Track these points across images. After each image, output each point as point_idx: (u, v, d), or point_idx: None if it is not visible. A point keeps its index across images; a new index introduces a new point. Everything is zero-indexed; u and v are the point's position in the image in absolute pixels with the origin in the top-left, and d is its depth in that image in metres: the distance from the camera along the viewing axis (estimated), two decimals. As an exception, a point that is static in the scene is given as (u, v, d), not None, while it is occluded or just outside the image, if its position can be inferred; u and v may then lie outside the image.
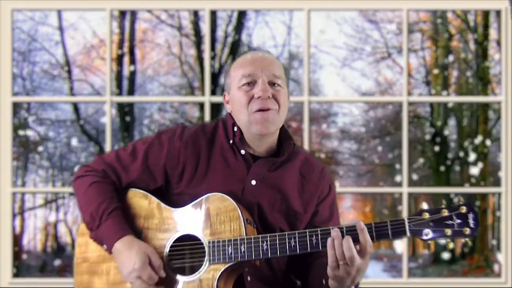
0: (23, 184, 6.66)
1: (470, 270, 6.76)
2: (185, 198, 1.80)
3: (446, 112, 7.19)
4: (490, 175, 6.71)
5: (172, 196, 1.84)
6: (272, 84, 1.81)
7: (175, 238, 1.78)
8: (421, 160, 7.17)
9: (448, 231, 1.62)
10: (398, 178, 6.00)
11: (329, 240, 1.63)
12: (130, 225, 1.81)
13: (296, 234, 1.68)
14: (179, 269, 1.78)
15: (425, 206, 1.66)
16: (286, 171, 1.86)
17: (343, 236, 1.62)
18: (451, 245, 1.64)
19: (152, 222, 1.81)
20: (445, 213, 1.63)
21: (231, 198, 1.73)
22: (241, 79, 1.81)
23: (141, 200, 1.84)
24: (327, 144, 7.55)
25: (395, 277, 6.51)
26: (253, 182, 1.81)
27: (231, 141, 1.84)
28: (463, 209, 1.63)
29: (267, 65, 1.81)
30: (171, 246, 1.78)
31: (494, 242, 6.72)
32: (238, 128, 1.84)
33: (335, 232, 1.63)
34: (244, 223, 1.71)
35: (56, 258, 7.02)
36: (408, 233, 1.62)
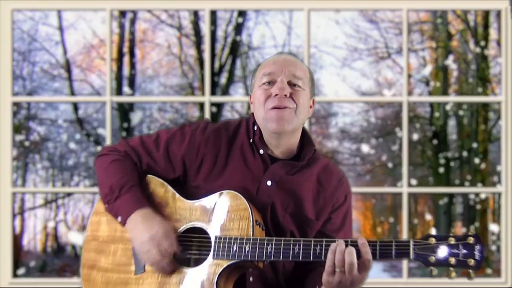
0: (23, 184, 6.66)
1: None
2: (201, 191, 1.82)
3: (446, 112, 7.20)
4: (490, 175, 6.71)
5: (189, 188, 1.86)
6: (292, 84, 1.82)
7: (184, 229, 1.80)
8: (421, 160, 7.17)
9: (452, 260, 1.60)
10: (398, 178, 6.01)
11: (332, 245, 1.63)
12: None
13: (301, 241, 1.68)
14: (184, 259, 1.79)
15: (433, 231, 1.64)
16: (303, 176, 1.87)
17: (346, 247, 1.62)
18: (453, 274, 1.62)
19: (164, 210, 1.83)
20: (452, 241, 1.61)
21: (244, 197, 1.75)
22: (262, 78, 1.83)
23: (157, 188, 1.86)
24: (327, 144, 7.56)
25: (395, 277, 6.51)
26: (269, 183, 1.82)
27: (251, 140, 1.86)
28: (471, 240, 1.60)
29: (288, 65, 1.83)
30: (180, 237, 1.80)
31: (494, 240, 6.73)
32: (258, 127, 1.85)
33: (340, 241, 1.63)
34: (253, 223, 1.72)
35: (56, 258, 7.02)
36: (412, 256, 1.61)
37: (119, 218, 1.80)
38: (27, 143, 6.77)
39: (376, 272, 7.47)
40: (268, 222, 1.80)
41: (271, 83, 1.82)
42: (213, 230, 1.76)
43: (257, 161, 1.84)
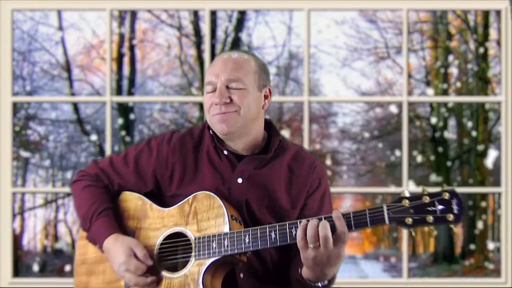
0: (23, 184, 6.66)
1: (470, 270, 6.76)
2: (176, 200, 1.86)
3: (446, 112, 7.19)
4: (490, 175, 6.71)
5: (166, 199, 1.90)
6: (230, 87, 1.85)
7: (164, 236, 1.83)
8: (421, 160, 7.17)
9: (430, 218, 1.56)
10: (398, 178, 6.01)
11: (302, 221, 1.64)
12: (122, 225, 1.89)
13: (277, 226, 1.69)
14: (171, 265, 1.82)
15: (406, 193, 1.60)
16: (274, 167, 1.88)
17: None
18: (434, 232, 1.57)
19: (145, 222, 1.87)
20: (427, 199, 1.57)
21: (217, 195, 1.78)
22: (206, 87, 1.88)
23: (134, 202, 1.91)
24: (327, 144, 7.55)
25: (395, 277, 6.52)
26: (239, 181, 1.85)
27: (213, 144, 1.90)
28: (446, 195, 1.56)
29: (223, 70, 1.85)
30: (163, 244, 1.83)
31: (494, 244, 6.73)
32: (213, 131, 1.90)
33: (313, 218, 1.64)
34: (228, 219, 1.74)
35: (56, 258, 7.02)
36: (387, 221, 1.58)
37: (98, 246, 1.87)
38: (27, 143, 6.77)
39: (376, 272, 7.47)
40: (246, 219, 1.82)
41: (213, 89, 1.86)
42: (192, 232, 1.79)
43: (224, 162, 1.87)
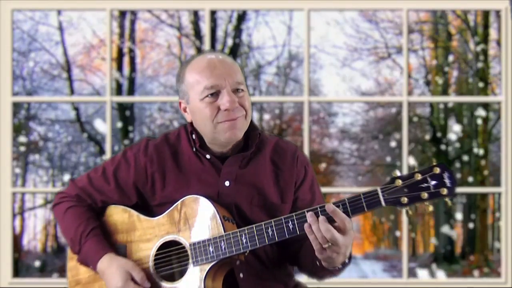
0: (23, 184, 6.66)
1: (470, 270, 6.76)
2: (163, 209, 1.81)
3: (446, 112, 7.20)
4: (490, 175, 6.71)
5: (152, 208, 1.85)
6: (236, 90, 1.76)
7: (158, 246, 1.79)
8: (421, 160, 7.17)
9: (425, 195, 1.56)
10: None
11: (306, 227, 1.61)
12: (112, 241, 1.84)
13: (272, 222, 1.67)
14: (168, 275, 1.78)
15: (397, 173, 1.60)
16: (258, 163, 1.83)
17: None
18: (430, 208, 1.57)
19: (134, 234, 1.83)
20: (419, 176, 1.58)
21: (206, 198, 1.74)
22: (203, 91, 1.74)
23: (121, 215, 1.86)
24: (327, 144, 7.56)
25: (395, 277, 6.52)
26: (227, 183, 1.80)
27: (194, 149, 1.82)
28: (437, 170, 1.57)
29: (228, 72, 1.76)
30: (157, 255, 1.79)
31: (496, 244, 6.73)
32: (197, 136, 1.81)
33: (310, 217, 1.61)
34: (221, 220, 1.71)
35: (56, 258, 7.02)
36: (383, 203, 1.58)
37: (91, 267, 1.81)
38: (27, 143, 6.78)
39: (376, 272, 7.47)
40: (238, 221, 1.78)
41: (214, 94, 1.74)
42: (186, 239, 1.75)
43: (207, 166, 1.81)
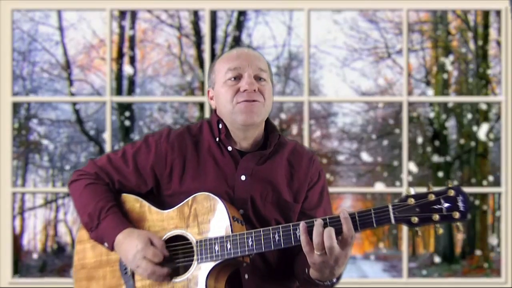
0: (23, 184, 6.66)
1: (470, 270, 6.76)
2: (176, 199, 1.82)
3: (446, 112, 7.19)
4: (490, 175, 6.71)
5: (164, 198, 1.86)
6: (257, 78, 1.82)
7: (165, 239, 1.79)
8: (421, 160, 7.17)
9: (436, 217, 1.53)
10: (398, 178, 6.01)
11: (301, 224, 1.61)
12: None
13: (280, 228, 1.66)
14: (174, 269, 1.78)
15: (411, 191, 1.57)
16: (274, 162, 1.87)
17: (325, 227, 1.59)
18: (440, 231, 1.54)
19: (143, 225, 1.83)
20: (432, 197, 1.54)
21: (218, 196, 1.75)
22: (227, 73, 1.82)
23: (132, 204, 1.87)
24: (327, 144, 7.55)
25: (395, 277, 6.51)
26: (243, 178, 1.82)
27: (217, 139, 1.85)
28: (452, 192, 1.53)
29: (252, 59, 1.83)
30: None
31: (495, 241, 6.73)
32: (224, 124, 1.85)
33: (318, 222, 1.60)
34: (230, 221, 1.71)
35: (56, 258, 7.02)
36: (393, 221, 1.55)
37: (106, 245, 1.82)
38: (27, 143, 6.77)
39: (376, 272, 7.47)
40: (251, 216, 1.80)
41: (236, 78, 1.81)
42: (193, 235, 1.75)
43: (227, 158, 1.84)
